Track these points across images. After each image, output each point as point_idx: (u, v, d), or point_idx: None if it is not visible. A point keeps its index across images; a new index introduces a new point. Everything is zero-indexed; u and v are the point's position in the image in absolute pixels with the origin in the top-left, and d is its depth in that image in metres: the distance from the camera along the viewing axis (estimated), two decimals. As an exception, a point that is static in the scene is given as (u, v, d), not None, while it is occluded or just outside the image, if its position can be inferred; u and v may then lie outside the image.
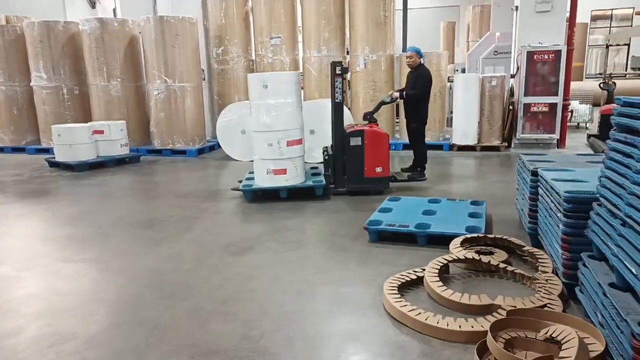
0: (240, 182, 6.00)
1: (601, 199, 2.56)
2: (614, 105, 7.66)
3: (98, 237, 4.51)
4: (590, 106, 11.00)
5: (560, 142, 8.23)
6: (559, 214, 2.96)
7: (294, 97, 5.49)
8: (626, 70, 19.07)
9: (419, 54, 6.38)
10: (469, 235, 3.73)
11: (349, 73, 9.34)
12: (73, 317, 2.96)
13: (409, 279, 3.18)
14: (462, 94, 8.44)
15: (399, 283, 3.10)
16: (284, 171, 5.52)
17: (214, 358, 2.48)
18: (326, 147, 6.18)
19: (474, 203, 4.71)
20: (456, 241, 3.66)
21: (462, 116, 8.49)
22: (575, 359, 2.04)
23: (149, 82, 9.11)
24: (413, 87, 6.25)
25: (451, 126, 9.03)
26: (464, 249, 3.55)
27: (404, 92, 6.29)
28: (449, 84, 9.60)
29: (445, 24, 17.55)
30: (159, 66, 8.85)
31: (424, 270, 3.27)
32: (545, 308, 2.70)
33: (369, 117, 6.05)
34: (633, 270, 2.01)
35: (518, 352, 2.37)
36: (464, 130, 8.49)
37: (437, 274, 3.12)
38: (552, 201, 3.17)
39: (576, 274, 2.82)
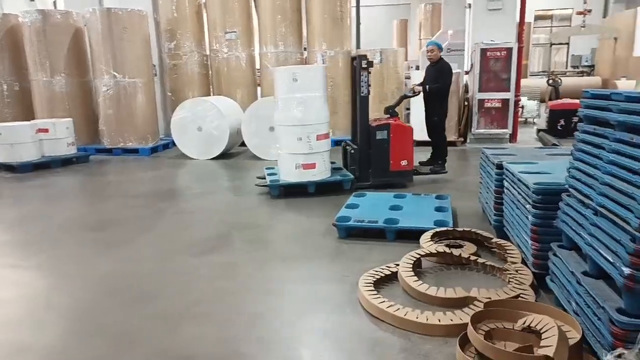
0: (261, 177, 5.90)
1: (571, 189, 2.62)
2: (562, 100, 7.95)
3: (45, 242, 4.22)
4: (538, 102, 11.46)
5: (513, 137, 8.51)
6: (527, 206, 3.01)
7: (322, 91, 5.44)
8: (566, 68, 20.04)
9: (439, 47, 6.42)
10: (438, 229, 3.75)
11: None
12: (23, 328, 2.74)
13: (383, 275, 3.15)
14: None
15: (374, 279, 3.06)
16: (313, 166, 5.45)
17: (188, 365, 2.36)
18: (345, 141, 6.15)
19: (438, 197, 4.76)
20: (426, 235, 3.67)
21: (419, 113, 8.59)
22: (556, 347, 2.06)
23: (96, 77, 8.67)
24: (435, 81, 6.26)
25: (409, 122, 9.13)
26: (434, 243, 3.56)
27: (427, 86, 6.28)
28: (405, 80, 9.72)
29: (398, 21, 17.80)
30: (107, 61, 8.44)
31: (397, 265, 3.25)
32: (519, 298, 2.74)
33: (391, 111, 6.03)
34: (610, 259, 2.05)
35: (497, 342, 2.37)
36: (422, 127, 8.58)
37: (411, 269, 3.11)
38: (519, 193, 3.23)
39: (546, 263, 2.87)
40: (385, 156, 5.57)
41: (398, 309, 2.66)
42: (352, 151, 5.70)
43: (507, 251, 3.35)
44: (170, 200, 5.58)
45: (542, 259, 2.92)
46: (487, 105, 8.22)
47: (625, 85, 12.08)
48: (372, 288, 2.93)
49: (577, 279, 2.38)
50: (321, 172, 5.55)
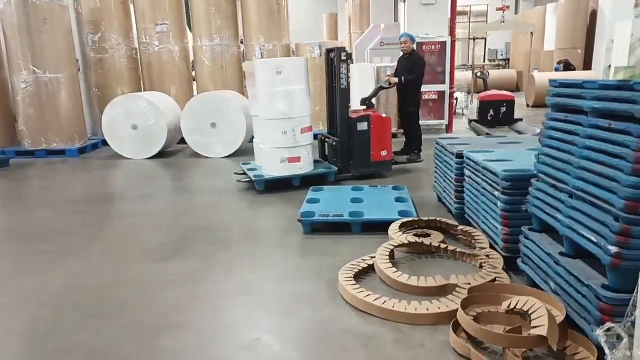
0: (239, 173, 5.77)
1: (540, 175, 2.74)
2: (490, 91, 8.32)
3: (-21, 256, 3.78)
4: (465, 94, 12.02)
5: (449, 127, 8.86)
6: (496, 193, 3.12)
7: (305, 83, 5.39)
8: (484, 61, 21.20)
9: (412, 39, 6.53)
10: (404, 220, 3.80)
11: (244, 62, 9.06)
12: (-22, 357, 2.42)
13: (360, 268, 3.13)
14: (358, 83, 8.63)
15: (353, 273, 3.04)
16: (298, 159, 5.40)
17: (176, 379, 2.20)
18: (322, 134, 6.10)
19: (395, 188, 4.83)
20: (394, 226, 3.70)
21: (357, 105, 8.69)
22: (548, 326, 2.15)
23: (12, 73, 7.90)
24: (410, 72, 6.37)
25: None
26: (403, 233, 3.60)
27: (403, 77, 6.37)
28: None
29: (327, 15, 17.88)
30: (25, 55, 7.73)
31: (372, 257, 3.25)
32: (495, 281, 2.84)
33: (367, 102, 6.03)
34: (593, 239, 2.16)
35: (484, 326, 2.44)
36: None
37: (388, 261, 3.12)
38: (484, 180, 3.34)
39: (516, 247, 3.00)
40: (366, 147, 5.63)
41: (385, 301, 2.65)
42: (334, 143, 5.70)
43: (474, 237, 3.46)
44: (113, 204, 5.22)
45: (512, 243, 3.04)
46: (424, 97, 8.48)
47: (540, 76, 12.98)
48: (354, 282, 2.91)
49: (554, 260, 2.49)
50: (306, 165, 5.51)
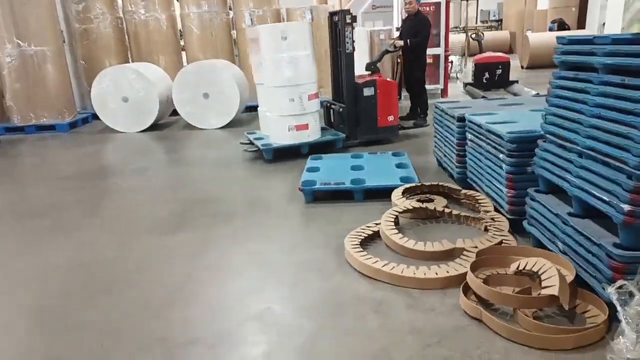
0: (246, 143, 5.74)
1: (548, 135, 2.70)
2: (485, 54, 8.17)
3: (-21, 235, 3.73)
4: (460, 57, 11.87)
5: (444, 92, 8.76)
6: (501, 155, 3.09)
7: (310, 49, 5.25)
8: (476, 23, 20.89)
9: (417, 0, 6.30)
10: (407, 186, 3.78)
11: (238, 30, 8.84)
12: (-13, 335, 2.40)
13: (366, 235, 3.12)
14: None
15: (359, 241, 3.03)
16: (306, 126, 5.31)
17: (194, 348, 2.19)
18: (327, 101, 5.99)
19: (395, 154, 4.79)
20: (397, 192, 3.68)
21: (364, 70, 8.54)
22: (559, 286, 2.15)
23: (-4, 47, 7.65)
24: (415, 34, 6.20)
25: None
26: (406, 199, 3.58)
27: (408, 40, 6.19)
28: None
29: (316, -21, 17.40)
30: (8, 27, 7.48)
31: (377, 224, 3.24)
32: (502, 244, 2.84)
33: (373, 67, 5.92)
34: (605, 198, 2.15)
35: (494, 288, 2.44)
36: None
37: (394, 227, 3.10)
38: (488, 144, 3.30)
39: (521, 209, 2.99)
40: (372, 113, 5.56)
41: (393, 267, 2.65)
42: (341, 110, 5.60)
43: (478, 201, 3.45)
44: (109, 178, 5.14)
45: (518, 205, 3.03)
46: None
47: (534, 37, 12.81)
48: (361, 249, 2.90)
49: (563, 220, 2.49)
50: (314, 133, 5.43)
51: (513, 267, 2.47)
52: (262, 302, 2.54)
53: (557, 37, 2.67)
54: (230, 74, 7.47)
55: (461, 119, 3.82)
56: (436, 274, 2.57)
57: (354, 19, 5.33)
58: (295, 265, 2.94)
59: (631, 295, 1.99)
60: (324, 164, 4.56)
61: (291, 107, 5.20)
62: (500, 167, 3.12)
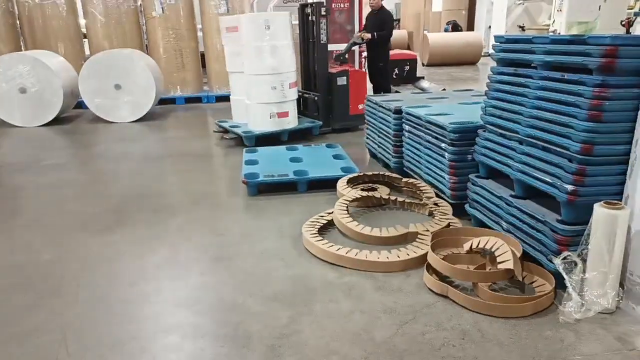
0: (220, 131, 5.85)
1: (488, 125, 2.97)
2: (395, 51, 8.52)
3: None
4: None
5: (359, 86, 9.07)
6: (443, 145, 3.32)
7: (290, 39, 5.40)
8: (377, 22, 21.77)
9: None
10: (350, 176, 3.90)
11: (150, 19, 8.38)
12: None
13: (320, 225, 3.18)
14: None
15: (316, 229, 3.08)
16: (286, 114, 5.47)
17: (171, 338, 2.11)
18: (300, 90, 6.07)
19: (329, 146, 4.90)
20: (342, 182, 3.79)
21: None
22: (513, 261, 2.40)
23: None
24: (380, 28, 6.52)
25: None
26: (351, 189, 3.71)
27: (375, 33, 6.44)
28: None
29: (220, -30, 17.01)
30: None
31: (329, 214, 3.32)
32: (450, 226, 3.07)
33: (342, 58, 6.26)
34: (548, 180, 2.42)
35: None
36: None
37: (348, 215, 3.21)
38: (428, 134, 3.53)
39: (463, 194, 3.25)
40: (345, 101, 5.84)
41: (357, 252, 2.75)
42: (316, 98, 5.81)
43: (419, 188, 3.67)
44: (22, 176, 4.65)
45: (459, 191, 3.28)
46: (336, 55, 8.56)
47: (433, 37, 13.72)
48: (321, 237, 2.96)
49: (506, 202, 2.76)
50: (293, 120, 5.60)
51: (466, 247, 2.69)
52: (233, 295, 2.51)
53: (495, 36, 2.94)
54: (144, 64, 7.10)
55: (398, 112, 4.02)
56: (398, 256, 2.71)
57: (327, 11, 5.59)
58: (256, 256, 2.92)
59: (575, 264, 2.27)
60: (261, 157, 4.54)
61: (273, 94, 5.33)
62: (442, 156, 3.36)
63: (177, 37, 8.45)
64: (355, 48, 7.25)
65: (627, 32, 10.74)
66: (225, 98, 8.65)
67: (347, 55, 6.46)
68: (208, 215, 3.57)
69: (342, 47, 8.62)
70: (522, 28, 14.06)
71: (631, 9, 12.47)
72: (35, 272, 2.78)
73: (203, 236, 3.23)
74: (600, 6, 11.99)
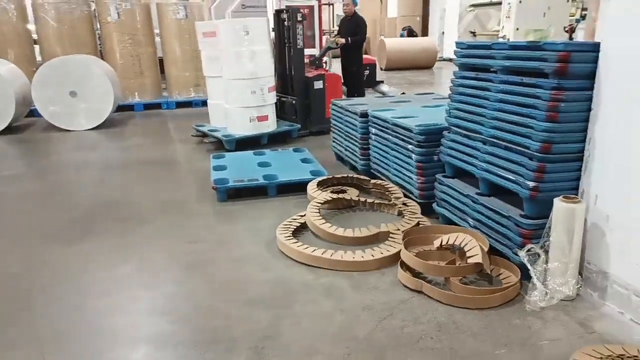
0: (198, 135, 5.94)
1: (453, 127, 3.11)
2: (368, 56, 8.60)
3: None
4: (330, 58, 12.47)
5: (320, 91, 9.17)
6: (410, 146, 3.44)
7: (268, 44, 5.52)
8: (332, 27, 22.03)
9: (354, 2, 6.89)
10: (320, 179, 3.96)
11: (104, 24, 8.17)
12: None
13: (294, 227, 3.23)
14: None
15: (290, 232, 3.13)
16: (266, 117, 5.58)
17: (155, 348, 2.10)
18: (277, 94, 6.05)
19: (296, 150, 4.95)
20: (312, 185, 3.85)
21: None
22: (482, 255, 2.53)
23: None
24: (354, 33, 6.73)
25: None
26: (322, 192, 3.77)
27: (349, 38, 6.66)
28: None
29: (175, -26, 16.78)
30: None
31: (301, 216, 3.37)
32: (419, 225, 3.19)
33: (317, 63, 6.59)
34: (511, 177, 2.57)
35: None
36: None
37: (321, 217, 3.27)
38: (395, 136, 3.64)
39: (430, 194, 3.38)
40: (322, 104, 5.98)
41: (332, 253, 2.81)
42: (294, 102, 5.94)
43: (388, 189, 3.78)
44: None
45: (427, 190, 3.41)
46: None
47: (390, 42, 14.03)
48: (296, 240, 3.01)
49: (472, 199, 2.90)
50: (272, 124, 5.72)
51: (436, 244, 2.81)
52: (209, 300, 2.51)
53: (456, 42, 3.09)
54: (101, 70, 6.93)
55: (364, 115, 4.13)
56: (372, 255, 2.80)
57: (303, 17, 5.75)
58: (231, 261, 2.94)
59: (538, 256, 2.42)
60: (228, 162, 4.53)
61: (253, 98, 5.41)
62: (409, 157, 3.48)
63: (134, 43, 8.29)
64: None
65: (570, 37, 11.37)
66: (186, 104, 8.61)
67: (322, 59, 6.71)
68: (178, 223, 3.54)
69: (308, 52, 8.76)
70: (474, 34, 14.60)
71: (573, 16, 13.19)
72: (2, 285, 2.69)
73: (175, 244, 3.20)
74: (544, 13, 12.61)
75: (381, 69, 13.87)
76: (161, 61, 8.88)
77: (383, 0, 16.57)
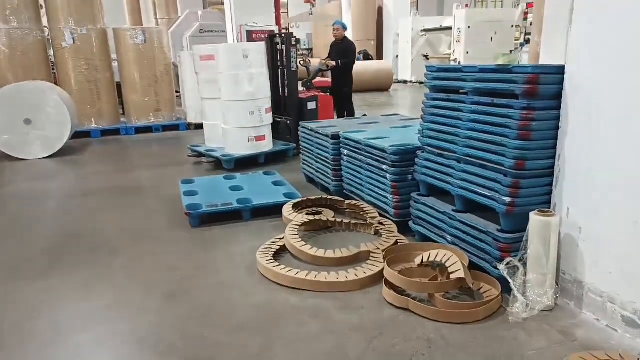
0: (194, 155, 6.08)
1: (426, 147, 3.21)
2: (317, 78, 8.76)
3: None
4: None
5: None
6: (384, 167, 3.51)
7: (265, 67, 5.81)
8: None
9: (343, 27, 7.27)
10: (294, 201, 3.97)
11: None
12: None
13: (274, 251, 3.21)
14: (190, 71, 8.35)
15: (271, 255, 3.11)
16: (264, 137, 5.78)
17: (140, 392, 2.01)
18: (278, 116, 6.33)
19: (266, 174, 4.94)
20: (287, 208, 3.85)
21: (193, 95, 8.42)
22: (463, 271, 2.60)
23: None
24: (344, 56, 7.06)
25: (181, 106, 8.88)
26: (297, 214, 3.78)
27: (340, 61, 6.98)
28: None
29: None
30: None
31: (280, 239, 3.36)
32: (398, 243, 3.24)
33: (309, 84, 6.84)
34: (487, 194, 2.67)
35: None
36: (198, 109, 8.46)
37: (300, 239, 3.26)
38: (369, 157, 3.71)
39: (406, 212, 3.45)
40: None
41: (316, 275, 2.81)
42: (288, 122, 6.14)
43: (363, 209, 3.82)
44: None
45: (402, 209, 3.48)
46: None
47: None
48: (278, 263, 2.99)
49: (449, 216, 2.98)
50: (269, 143, 5.93)
51: (417, 261, 2.86)
52: (194, 328, 2.45)
53: (427, 66, 3.21)
54: (57, 97, 6.71)
55: (335, 137, 4.19)
56: (356, 275, 2.82)
57: (298, 41, 5.93)
58: (213, 288, 2.88)
59: (517, 268, 2.52)
60: (199, 187, 4.46)
61: (251, 119, 5.61)
62: (384, 177, 3.55)
63: (91, 68, 8.09)
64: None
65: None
66: (146, 129, 8.44)
67: (313, 82, 6.98)
68: (152, 251, 3.45)
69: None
70: (426, 57, 15.15)
71: (517, 40, 13.97)
72: (-32, 326, 2.52)
73: (151, 272, 3.11)
74: (492, 38, 13.30)
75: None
76: (119, 86, 8.70)
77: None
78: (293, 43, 6.06)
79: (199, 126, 8.51)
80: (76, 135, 7.74)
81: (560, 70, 2.45)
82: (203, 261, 3.26)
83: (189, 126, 8.57)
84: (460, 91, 2.96)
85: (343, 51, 7.18)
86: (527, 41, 12.73)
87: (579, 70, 2.38)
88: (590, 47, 2.32)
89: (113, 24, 8.96)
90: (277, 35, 6.36)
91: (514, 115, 2.51)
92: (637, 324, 2.22)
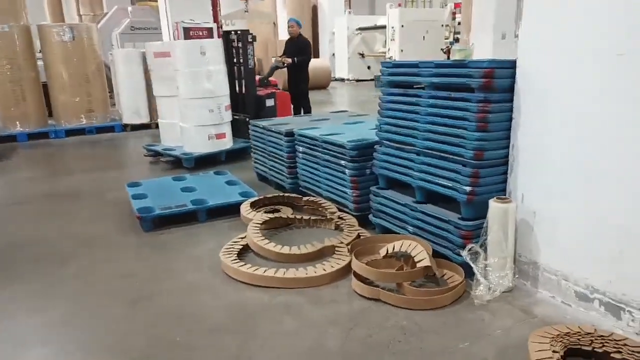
0: (150, 155, 5.91)
1: (385, 141, 3.28)
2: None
3: None
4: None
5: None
6: (342, 162, 3.56)
7: (223, 64, 5.70)
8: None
9: (298, 24, 7.29)
10: (251, 200, 3.92)
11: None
12: None
13: (237, 250, 3.16)
14: (124, 70, 8.02)
15: (235, 255, 3.06)
16: (224, 135, 5.70)
17: (116, 404, 1.92)
18: (236, 114, 6.20)
19: (217, 173, 4.83)
20: (245, 207, 3.80)
21: (129, 94, 8.09)
22: (429, 259, 2.69)
23: None
24: (300, 53, 7.03)
25: (114, 106, 8.48)
26: (256, 212, 3.74)
27: (295, 58, 6.95)
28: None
29: (48, -6, 15.60)
30: None
31: (242, 239, 3.31)
32: (360, 237, 3.30)
33: (266, 82, 6.90)
34: (448, 184, 2.78)
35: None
36: (134, 109, 8.15)
37: (263, 238, 3.23)
38: (326, 153, 3.74)
39: (365, 206, 3.51)
40: None
41: (284, 272, 2.80)
42: (247, 119, 5.83)
43: (321, 205, 3.84)
44: None
45: (362, 203, 3.54)
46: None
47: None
48: (244, 263, 2.95)
49: (411, 208, 3.08)
50: (229, 141, 5.84)
51: (383, 252, 2.93)
52: (167, 333, 2.37)
53: (382, 62, 3.29)
54: (-22, 99, 6.18)
55: (290, 134, 4.18)
56: (324, 270, 2.84)
57: (254, 38, 5.98)
58: (179, 291, 2.79)
59: (479, 254, 2.65)
60: (147, 190, 4.28)
61: (210, 117, 5.51)
62: (342, 172, 3.59)
63: (14, 68, 7.53)
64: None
65: (448, 57, 12.57)
66: (78, 132, 7.98)
67: (270, 79, 7.05)
68: (106, 258, 3.28)
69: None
70: (362, 55, 15.47)
71: (447, 39, 14.59)
72: None
73: (108, 280, 2.96)
74: (424, 36, 13.80)
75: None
76: (45, 87, 8.16)
77: (276, 23, 16.89)
78: (250, 40, 6.03)
79: (136, 127, 8.22)
80: (0, 140, 7.21)
81: (512, 64, 2.60)
82: (163, 265, 3.15)
83: (125, 127, 8.19)
84: (415, 86, 3.06)
85: (299, 48, 7.22)
86: (457, 40, 13.36)
87: (529, 64, 2.54)
88: (538, 42, 2.48)
89: (32, 21, 8.38)
90: (233, 32, 6.30)
91: (472, 108, 2.63)
92: (589, 298, 2.40)
